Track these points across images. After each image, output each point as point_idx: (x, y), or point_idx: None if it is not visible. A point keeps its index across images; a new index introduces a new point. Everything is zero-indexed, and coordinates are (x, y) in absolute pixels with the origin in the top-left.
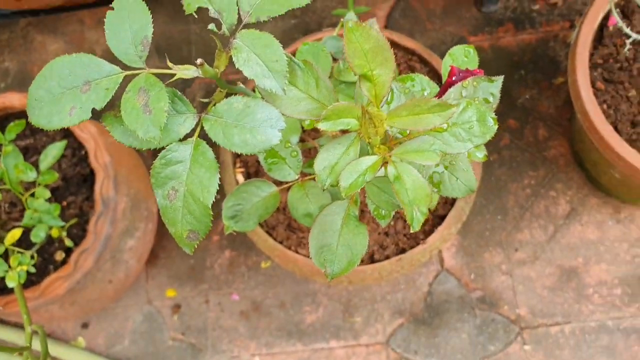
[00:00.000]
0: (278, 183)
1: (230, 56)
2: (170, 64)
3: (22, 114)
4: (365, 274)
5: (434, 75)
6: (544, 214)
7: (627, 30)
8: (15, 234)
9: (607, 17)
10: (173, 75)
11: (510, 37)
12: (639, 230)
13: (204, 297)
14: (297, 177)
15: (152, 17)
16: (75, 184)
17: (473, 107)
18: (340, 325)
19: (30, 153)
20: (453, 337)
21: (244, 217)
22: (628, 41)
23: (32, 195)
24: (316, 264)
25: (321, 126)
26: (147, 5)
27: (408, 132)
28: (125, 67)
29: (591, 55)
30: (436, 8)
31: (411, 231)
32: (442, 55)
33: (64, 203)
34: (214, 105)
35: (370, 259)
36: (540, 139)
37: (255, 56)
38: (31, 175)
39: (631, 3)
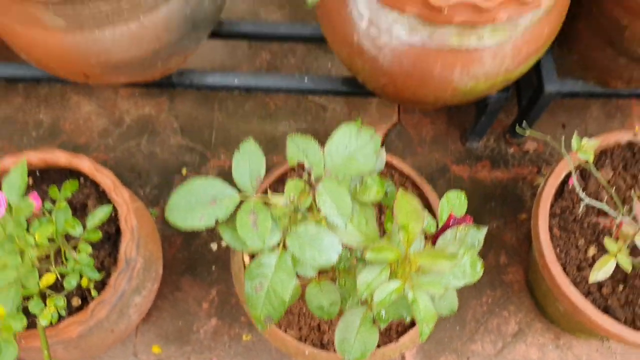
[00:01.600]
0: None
1: (313, 194)
2: (270, 194)
3: (64, 171)
4: None
5: (422, 198)
6: (495, 330)
7: (582, 194)
8: (49, 278)
9: (569, 175)
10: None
11: (486, 172)
12: (574, 358)
13: (186, 358)
14: (314, 275)
15: (182, 101)
16: (100, 241)
17: (468, 255)
18: None
19: None
20: None
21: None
22: (582, 203)
23: (75, 248)
24: (338, 351)
25: (367, 256)
26: (260, 150)
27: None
28: (239, 191)
29: (552, 205)
30: (427, 135)
31: (419, 342)
32: (427, 177)
33: None
34: (293, 226)
35: None
36: (501, 264)
37: (330, 200)
38: (78, 230)
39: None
